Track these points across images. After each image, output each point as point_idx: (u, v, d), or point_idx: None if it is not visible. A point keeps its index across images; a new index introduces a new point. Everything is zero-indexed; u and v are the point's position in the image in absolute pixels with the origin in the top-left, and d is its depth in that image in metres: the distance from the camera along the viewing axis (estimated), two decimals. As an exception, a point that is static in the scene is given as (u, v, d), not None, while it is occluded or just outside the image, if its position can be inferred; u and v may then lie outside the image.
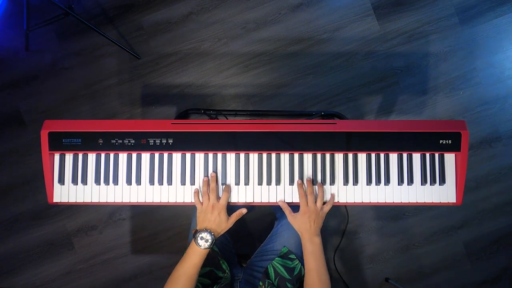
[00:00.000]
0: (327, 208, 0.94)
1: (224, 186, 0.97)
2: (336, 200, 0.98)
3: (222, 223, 0.91)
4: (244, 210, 0.96)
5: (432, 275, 1.65)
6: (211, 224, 0.90)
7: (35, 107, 1.65)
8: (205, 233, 0.88)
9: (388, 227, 1.64)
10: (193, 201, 0.98)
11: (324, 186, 0.97)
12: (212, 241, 0.88)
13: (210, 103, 1.65)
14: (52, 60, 1.65)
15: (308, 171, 0.98)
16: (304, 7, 1.64)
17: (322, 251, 0.91)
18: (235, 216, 0.94)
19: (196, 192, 0.96)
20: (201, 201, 0.95)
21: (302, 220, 0.91)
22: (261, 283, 0.98)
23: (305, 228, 0.90)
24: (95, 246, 1.65)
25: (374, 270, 1.65)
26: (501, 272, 1.66)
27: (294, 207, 0.96)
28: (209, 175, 0.97)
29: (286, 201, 0.98)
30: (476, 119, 1.64)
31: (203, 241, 0.87)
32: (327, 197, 0.97)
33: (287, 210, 0.95)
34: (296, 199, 0.97)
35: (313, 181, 0.97)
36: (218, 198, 0.93)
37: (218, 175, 0.98)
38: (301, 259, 1.03)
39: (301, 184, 0.95)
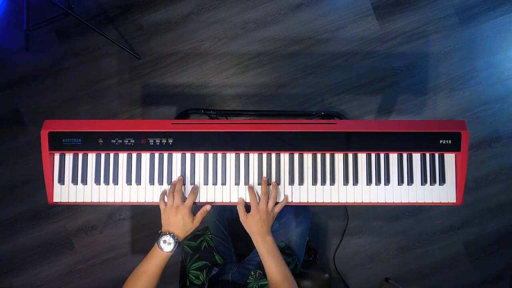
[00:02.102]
0: (278, 208, 0.94)
1: (192, 186, 0.96)
2: (336, 200, 0.97)
3: (187, 226, 0.90)
4: (208, 207, 0.94)
5: (432, 275, 1.65)
6: (174, 229, 0.89)
7: (35, 107, 1.65)
8: (168, 237, 0.87)
9: (388, 227, 1.64)
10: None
11: (278, 186, 0.97)
12: (175, 245, 0.87)
13: (210, 103, 1.65)
14: (52, 60, 1.65)
15: (308, 171, 0.98)
16: (304, 7, 1.64)
17: (277, 249, 0.91)
18: (200, 215, 0.93)
19: (163, 193, 0.95)
20: (166, 201, 0.93)
21: (252, 221, 0.91)
22: (252, 273, 0.99)
23: (256, 229, 0.90)
24: (95, 246, 1.65)
25: (374, 270, 1.65)
26: (501, 272, 1.66)
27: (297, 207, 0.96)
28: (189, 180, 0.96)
29: (288, 200, 0.97)
30: (476, 119, 1.64)
31: (166, 244, 0.87)
32: (281, 198, 0.97)
33: (241, 210, 0.94)
34: (296, 199, 0.97)
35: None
36: (183, 200, 0.92)
37: (218, 175, 0.98)
38: (298, 254, 1.03)
39: (251, 188, 0.95)
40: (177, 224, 0.89)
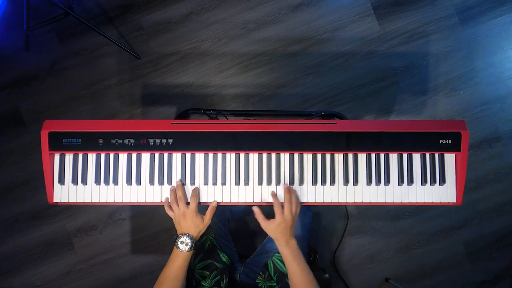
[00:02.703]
0: (298, 209, 0.94)
1: (192, 189, 0.96)
2: (336, 200, 0.97)
3: (199, 225, 0.92)
4: (214, 203, 0.96)
5: (432, 275, 1.65)
6: (188, 230, 0.92)
7: (35, 107, 1.65)
8: (185, 237, 0.90)
9: (388, 227, 1.64)
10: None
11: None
12: (193, 243, 0.90)
13: (210, 103, 1.65)
14: (52, 60, 1.65)
15: (308, 171, 0.98)
16: (304, 7, 1.64)
17: (301, 253, 0.91)
18: (209, 212, 0.95)
19: (166, 203, 0.96)
20: (173, 209, 0.95)
21: (279, 229, 0.90)
22: (261, 273, 1.00)
23: (281, 235, 0.90)
24: (95, 246, 1.65)
25: (374, 270, 1.65)
26: (501, 272, 1.66)
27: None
28: (175, 183, 0.96)
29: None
30: (476, 119, 1.64)
31: (183, 245, 0.90)
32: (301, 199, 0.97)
33: (260, 218, 0.93)
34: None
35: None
36: (187, 204, 0.93)
37: (218, 175, 0.98)
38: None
39: (275, 195, 0.95)
40: (189, 227, 0.92)
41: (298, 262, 0.89)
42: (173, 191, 0.95)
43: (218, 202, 0.97)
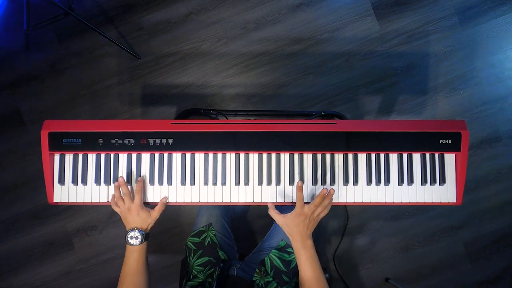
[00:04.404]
0: (323, 213, 0.90)
1: (136, 183, 0.96)
2: (336, 201, 0.97)
3: (146, 219, 0.93)
4: (164, 199, 0.96)
5: (432, 275, 1.65)
6: (136, 224, 0.92)
7: (35, 107, 1.65)
8: (133, 232, 0.90)
9: (388, 227, 1.64)
10: (193, 201, 0.98)
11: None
12: (143, 236, 0.90)
13: (210, 103, 1.65)
14: (52, 60, 1.65)
15: (308, 171, 0.98)
16: (304, 7, 1.64)
17: (316, 256, 0.89)
18: (159, 206, 0.95)
19: (112, 200, 0.96)
20: (118, 205, 0.95)
21: (295, 222, 0.88)
22: (257, 270, 1.00)
23: (298, 231, 0.88)
24: (95, 246, 1.65)
25: (374, 270, 1.65)
26: (501, 272, 1.66)
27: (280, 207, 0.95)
28: (118, 179, 0.96)
29: (286, 201, 0.98)
30: (476, 119, 1.64)
31: (134, 239, 0.90)
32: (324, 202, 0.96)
33: (273, 213, 0.92)
34: (296, 199, 0.97)
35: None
36: (132, 199, 0.94)
37: (218, 175, 0.98)
38: None
39: (301, 187, 0.91)
40: (135, 220, 0.92)
41: (313, 267, 0.86)
42: (117, 187, 0.95)
43: (167, 201, 0.97)
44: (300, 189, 0.91)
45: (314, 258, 0.88)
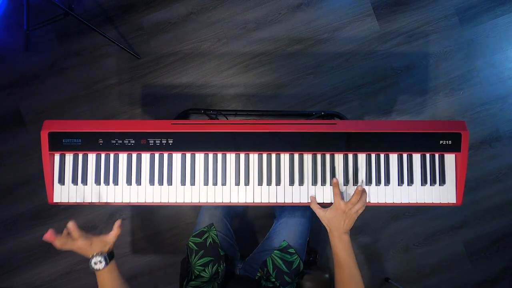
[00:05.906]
0: (361, 210, 0.91)
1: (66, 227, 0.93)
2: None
3: (102, 243, 0.91)
4: (119, 221, 0.94)
5: (432, 275, 1.65)
6: (93, 251, 0.90)
7: (35, 107, 1.65)
8: (95, 258, 0.89)
9: (388, 227, 1.64)
10: (193, 201, 0.98)
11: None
12: (106, 258, 0.89)
13: (210, 103, 1.65)
14: (52, 60, 1.65)
15: (308, 172, 0.98)
16: (304, 7, 1.64)
17: (351, 248, 0.90)
18: (115, 230, 0.93)
19: (57, 247, 0.94)
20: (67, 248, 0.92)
21: (332, 215, 0.90)
22: (260, 270, 1.01)
23: (335, 225, 0.90)
24: (95, 246, 1.64)
25: (374, 270, 1.65)
26: (501, 272, 1.66)
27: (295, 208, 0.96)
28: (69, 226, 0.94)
29: (286, 201, 0.98)
30: (476, 119, 1.64)
31: (98, 264, 0.88)
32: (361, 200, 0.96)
33: (315, 207, 0.94)
34: (296, 199, 0.97)
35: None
36: (77, 238, 0.91)
37: (218, 175, 0.98)
38: (300, 253, 1.04)
39: (337, 183, 0.93)
40: (90, 249, 0.90)
41: (348, 255, 0.88)
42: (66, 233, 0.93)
43: (122, 222, 0.94)
44: (336, 185, 0.93)
45: (350, 252, 0.89)
